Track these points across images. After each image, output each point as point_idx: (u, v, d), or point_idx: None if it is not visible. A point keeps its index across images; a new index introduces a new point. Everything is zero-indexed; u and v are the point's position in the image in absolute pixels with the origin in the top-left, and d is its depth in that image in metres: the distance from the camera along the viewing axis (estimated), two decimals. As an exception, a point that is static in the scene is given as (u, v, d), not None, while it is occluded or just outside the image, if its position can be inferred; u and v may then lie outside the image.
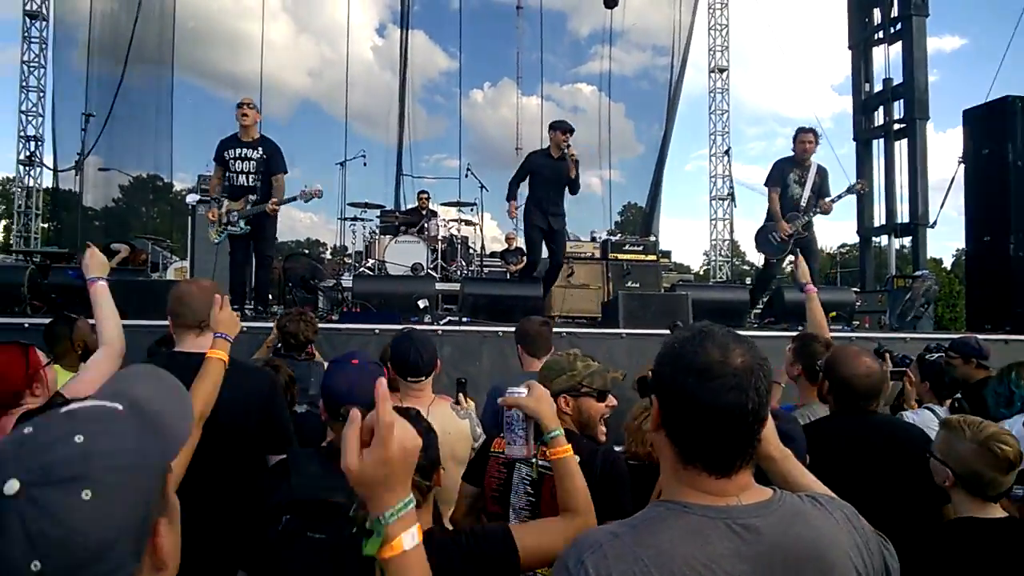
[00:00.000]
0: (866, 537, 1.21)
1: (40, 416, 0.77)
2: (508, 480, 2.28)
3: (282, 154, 6.31)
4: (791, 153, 7.21)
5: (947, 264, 35.66)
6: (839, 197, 7.14)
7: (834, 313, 7.31)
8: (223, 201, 6.20)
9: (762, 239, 7.38)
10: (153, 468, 0.79)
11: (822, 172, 7.17)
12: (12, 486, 0.68)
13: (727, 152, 10.75)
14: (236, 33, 23.17)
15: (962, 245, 8.94)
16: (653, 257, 8.45)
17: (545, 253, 7.08)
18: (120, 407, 0.81)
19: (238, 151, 6.16)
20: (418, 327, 3.28)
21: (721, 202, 15.63)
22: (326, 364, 3.97)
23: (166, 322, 2.49)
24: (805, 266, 3.74)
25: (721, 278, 16.03)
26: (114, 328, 2.46)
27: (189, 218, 7.98)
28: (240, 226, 6.16)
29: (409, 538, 1.10)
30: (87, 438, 0.73)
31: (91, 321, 3.30)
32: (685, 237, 78.35)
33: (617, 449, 2.68)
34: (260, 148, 6.18)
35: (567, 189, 6.84)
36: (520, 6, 16.27)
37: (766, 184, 7.33)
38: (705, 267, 29.42)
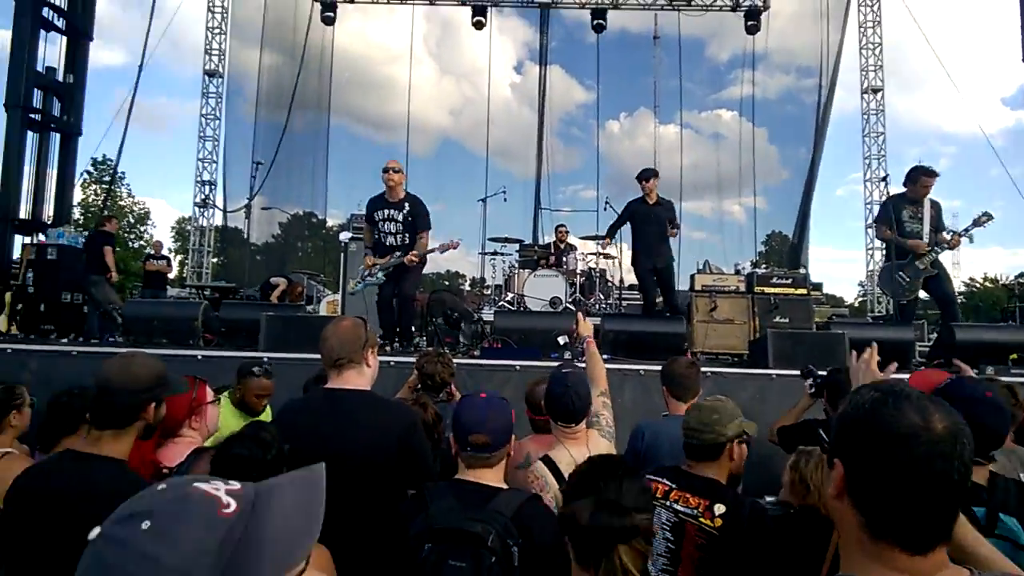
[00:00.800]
0: None
1: (179, 482, 0.78)
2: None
3: (427, 211, 6.65)
4: (903, 190, 6.94)
5: None
6: (966, 231, 6.68)
7: (1015, 355, 6.50)
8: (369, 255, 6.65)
9: (886, 280, 7.03)
10: None
11: (936, 206, 6.84)
12: (93, 533, 0.74)
13: (884, 179, 9.97)
14: (385, 78, 24.76)
15: None
16: (804, 291, 7.97)
17: None
18: (233, 508, 0.75)
19: (386, 212, 6.54)
20: (569, 367, 3.27)
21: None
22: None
23: (317, 355, 2.66)
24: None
25: (880, 312, 14.82)
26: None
27: (341, 254, 8.50)
28: (378, 277, 6.53)
29: None
30: (153, 526, 0.72)
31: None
32: (836, 267, 73.35)
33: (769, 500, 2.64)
34: (406, 206, 6.51)
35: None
36: (657, 36, 16.16)
37: (876, 222, 7.18)
38: (861, 299, 27.38)
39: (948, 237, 6.71)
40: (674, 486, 2.36)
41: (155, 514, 0.73)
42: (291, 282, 8.34)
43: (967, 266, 44.04)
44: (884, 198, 8.30)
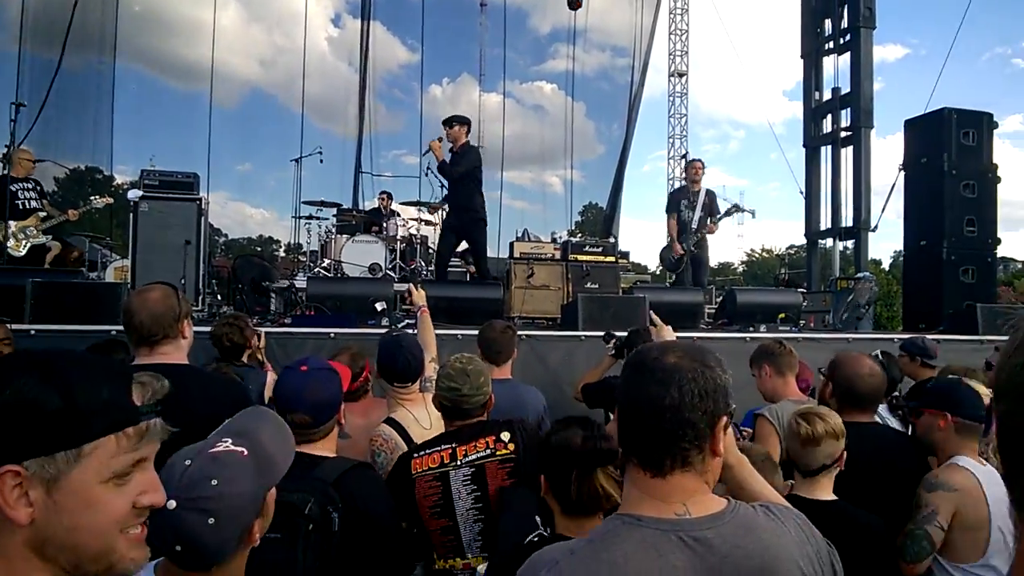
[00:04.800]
0: (817, 546, 1.23)
1: (197, 454, 1.26)
2: (446, 491, 2.33)
3: None
4: (684, 183, 8.64)
5: (885, 265, 37.00)
6: (720, 218, 8.38)
7: (783, 315, 7.51)
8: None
9: (664, 257, 8.80)
10: (260, 497, 1.28)
11: (710, 195, 8.41)
12: (171, 504, 1.13)
13: (684, 156, 10.93)
14: (185, 19, 22.36)
15: (900, 247, 9.31)
16: (612, 258, 8.49)
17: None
18: (245, 452, 1.27)
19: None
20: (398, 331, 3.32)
21: (675, 204, 15.83)
22: (269, 371, 3.90)
23: (105, 327, 2.37)
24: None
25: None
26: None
27: (131, 215, 7.62)
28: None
29: None
30: (220, 482, 1.21)
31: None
32: (641, 237, 79.52)
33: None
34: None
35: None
36: (484, 2, 16.14)
37: (666, 211, 8.73)
38: (660, 267, 29.84)
39: (707, 224, 8.29)
40: (455, 444, 2.37)
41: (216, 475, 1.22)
42: (66, 245, 7.32)
43: (749, 238, 49.75)
44: (684, 176, 9.53)
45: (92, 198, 7.44)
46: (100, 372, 0.96)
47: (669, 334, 3.67)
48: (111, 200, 7.64)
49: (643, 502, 1.16)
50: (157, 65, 23.32)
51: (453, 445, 2.37)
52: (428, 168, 9.92)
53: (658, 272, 31.23)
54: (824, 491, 2.22)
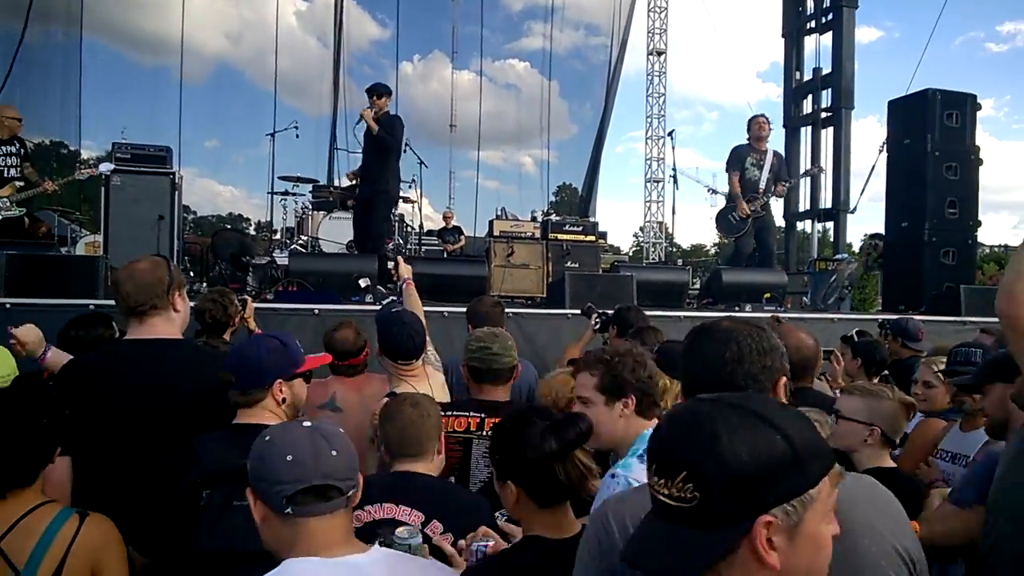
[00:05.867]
0: None
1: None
2: (466, 456, 2.45)
3: None
4: (746, 139, 7.79)
5: (855, 248, 37.47)
6: (793, 182, 7.82)
7: (768, 294, 7.53)
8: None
9: (722, 220, 7.94)
10: None
11: (779, 156, 7.81)
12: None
13: (671, 134, 10.83)
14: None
15: (870, 230, 9.40)
16: (592, 238, 8.47)
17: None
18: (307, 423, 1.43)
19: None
20: (396, 306, 3.34)
21: (655, 184, 15.84)
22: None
23: (79, 301, 2.32)
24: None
25: (653, 259, 16.31)
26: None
27: (103, 188, 7.37)
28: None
29: None
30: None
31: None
32: (615, 217, 79.87)
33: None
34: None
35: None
36: (456, -24, 15.85)
37: (727, 169, 7.91)
38: (635, 248, 29.98)
39: (776, 186, 7.63)
40: (483, 415, 2.49)
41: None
42: (34, 220, 7.06)
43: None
44: (662, 156, 9.24)
45: (78, 163, 6.97)
46: (796, 415, 0.96)
47: (407, 272, 3.73)
48: (95, 171, 7.04)
49: None
50: (124, 39, 22.52)
51: (482, 416, 2.46)
52: (407, 144, 9.81)
53: (631, 253, 31.49)
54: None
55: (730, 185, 7.79)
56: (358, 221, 7.35)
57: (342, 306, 5.29)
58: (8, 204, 6.50)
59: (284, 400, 2.00)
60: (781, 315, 5.19)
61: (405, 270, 3.67)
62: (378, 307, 5.39)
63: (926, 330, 4.61)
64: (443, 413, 2.36)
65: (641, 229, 20.04)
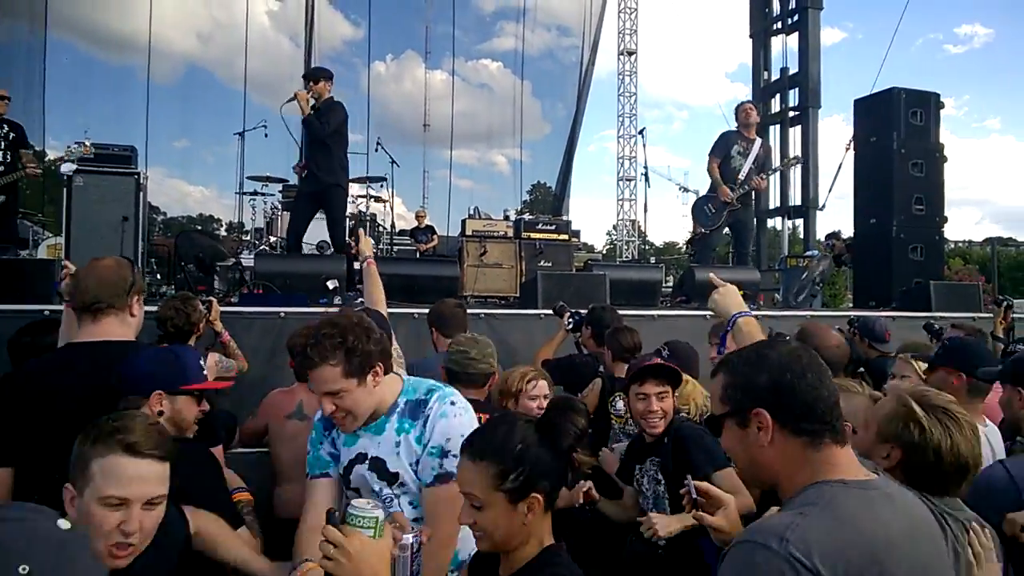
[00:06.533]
0: None
1: None
2: None
3: None
4: (734, 126, 7.64)
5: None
6: (774, 171, 7.56)
7: (741, 292, 7.54)
8: None
9: (697, 210, 7.77)
10: None
11: (766, 148, 7.64)
12: None
13: (642, 132, 10.86)
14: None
15: (838, 226, 9.50)
16: (565, 237, 8.44)
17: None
18: None
19: None
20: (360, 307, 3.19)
21: (627, 183, 15.92)
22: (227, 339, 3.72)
23: (37, 306, 2.24)
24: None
25: (626, 257, 16.38)
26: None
27: (65, 190, 7.17)
28: None
29: None
30: None
31: None
32: (588, 216, 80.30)
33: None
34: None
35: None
36: (428, -24, 15.74)
37: (709, 153, 7.63)
38: (608, 246, 30.12)
39: (755, 179, 7.42)
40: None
41: None
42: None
43: (695, 219, 50.58)
44: (633, 155, 9.16)
45: (69, 148, 6.50)
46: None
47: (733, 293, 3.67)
48: (86, 149, 6.70)
49: (836, 469, 1.27)
50: (91, 38, 22.02)
51: None
52: (379, 143, 9.72)
53: (605, 251, 31.67)
54: None
55: (709, 171, 7.61)
56: (303, 216, 6.91)
57: (309, 309, 5.18)
58: None
59: (161, 413, 1.92)
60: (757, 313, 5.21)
61: (367, 245, 3.49)
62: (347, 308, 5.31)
63: (896, 327, 4.65)
64: None
65: (614, 227, 20.17)
